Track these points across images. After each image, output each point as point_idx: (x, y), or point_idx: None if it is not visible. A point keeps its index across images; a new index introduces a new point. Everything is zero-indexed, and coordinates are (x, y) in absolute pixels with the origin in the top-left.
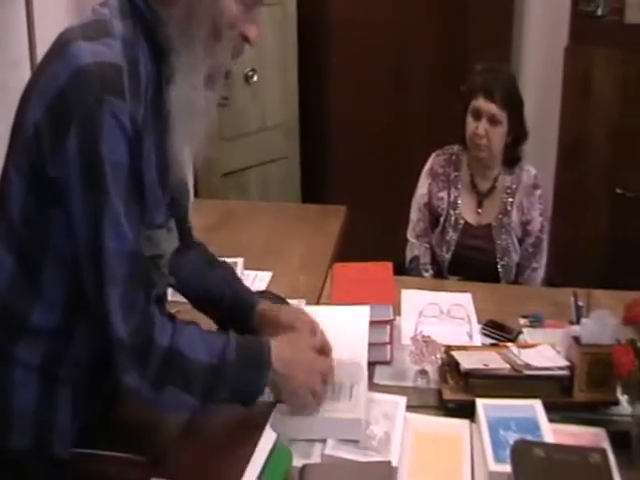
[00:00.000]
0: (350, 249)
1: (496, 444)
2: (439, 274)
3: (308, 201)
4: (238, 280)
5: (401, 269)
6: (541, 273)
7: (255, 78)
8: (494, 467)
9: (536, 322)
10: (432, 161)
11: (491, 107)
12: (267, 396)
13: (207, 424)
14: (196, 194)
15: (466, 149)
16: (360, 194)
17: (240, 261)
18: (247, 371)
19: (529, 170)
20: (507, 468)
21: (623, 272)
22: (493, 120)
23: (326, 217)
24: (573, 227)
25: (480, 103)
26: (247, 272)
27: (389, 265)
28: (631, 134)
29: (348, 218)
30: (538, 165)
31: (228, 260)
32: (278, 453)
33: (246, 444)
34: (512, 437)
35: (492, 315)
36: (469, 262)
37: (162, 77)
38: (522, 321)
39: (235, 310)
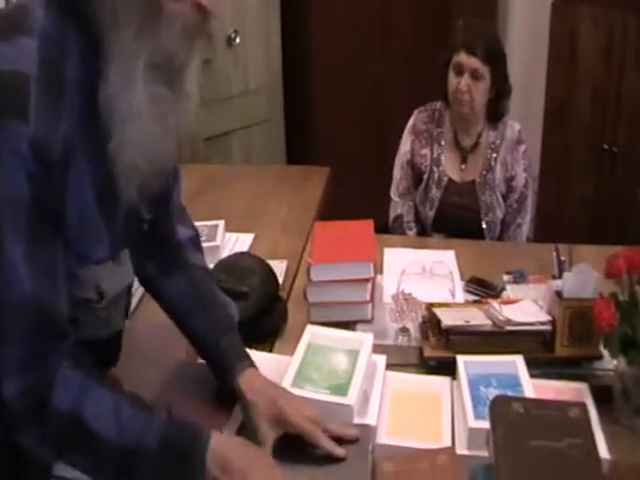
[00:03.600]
0: (334, 211)
1: (476, 400)
2: (423, 232)
3: (293, 164)
4: (229, 331)
5: (386, 229)
6: (525, 229)
7: (237, 40)
8: (474, 424)
9: (519, 278)
10: (414, 118)
11: (473, 62)
12: None
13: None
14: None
15: (449, 105)
16: (345, 155)
17: (221, 223)
18: (171, 466)
19: (513, 125)
20: (487, 424)
21: (609, 229)
22: (475, 75)
23: (309, 178)
24: (560, 186)
25: (462, 58)
26: (228, 234)
27: (370, 223)
28: (616, 92)
29: (332, 179)
30: (524, 124)
31: (209, 223)
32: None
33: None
34: (492, 393)
35: (475, 272)
36: (453, 219)
37: (94, 74)
38: (506, 277)
39: (216, 368)
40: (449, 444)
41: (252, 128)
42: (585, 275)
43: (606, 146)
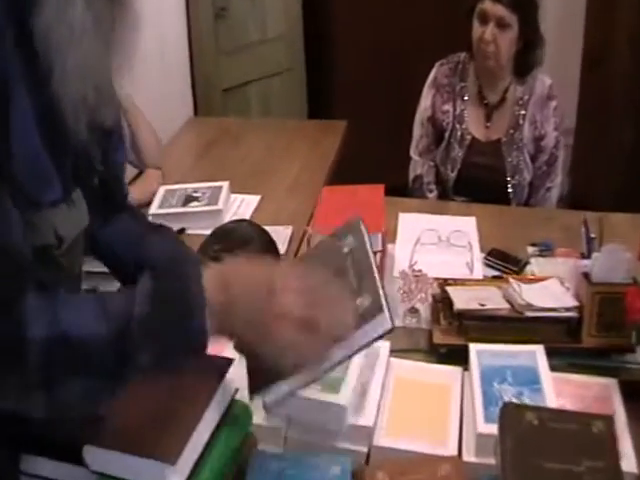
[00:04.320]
0: (350, 168)
1: (488, 400)
2: (444, 194)
3: (314, 116)
4: (180, 243)
5: (405, 189)
6: (556, 193)
7: None
8: (483, 428)
9: (546, 251)
10: (436, 71)
11: (499, 9)
12: None
13: (147, 387)
14: (195, 111)
15: (473, 57)
16: (368, 107)
17: (225, 185)
18: (172, 322)
19: (543, 80)
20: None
21: None
22: (501, 24)
23: (326, 133)
24: (597, 139)
25: (486, 5)
26: (233, 196)
27: (380, 188)
28: None
29: (351, 133)
30: (561, 74)
31: (212, 185)
32: (237, 410)
33: (198, 399)
34: (507, 391)
35: (498, 242)
36: (476, 181)
37: (24, 3)
38: (530, 249)
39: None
40: (455, 448)
41: (271, 78)
42: (617, 256)
43: None
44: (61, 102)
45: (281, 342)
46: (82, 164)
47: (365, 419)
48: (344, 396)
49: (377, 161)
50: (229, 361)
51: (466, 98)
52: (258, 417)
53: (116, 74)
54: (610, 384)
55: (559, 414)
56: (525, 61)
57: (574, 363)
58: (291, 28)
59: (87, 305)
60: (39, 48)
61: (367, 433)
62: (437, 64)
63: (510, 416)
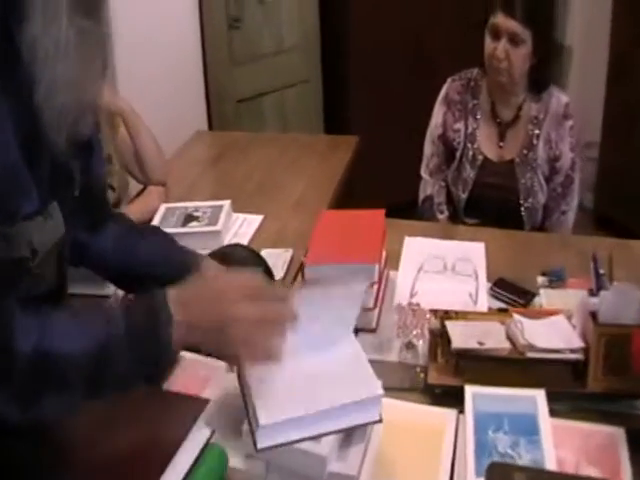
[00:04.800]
0: (360, 183)
1: (481, 450)
2: (455, 216)
3: (330, 128)
4: (174, 243)
5: (416, 207)
6: (572, 217)
7: None
8: None
9: (556, 281)
10: (447, 87)
11: (511, 24)
12: None
13: (121, 419)
14: (209, 123)
15: (485, 73)
16: (383, 120)
17: (226, 204)
18: (144, 337)
19: (559, 97)
20: None
21: None
22: (514, 39)
23: (335, 149)
24: (623, 149)
25: (499, 20)
26: (235, 215)
27: (381, 214)
28: None
29: (362, 148)
30: (586, 81)
31: (213, 204)
32: (211, 454)
33: (168, 443)
34: (502, 441)
35: (507, 269)
36: (488, 203)
37: (11, 19)
38: (540, 279)
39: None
40: None
41: (287, 90)
42: (626, 296)
43: None
44: (43, 115)
45: (239, 341)
46: (61, 176)
47: (348, 467)
48: (326, 445)
49: (388, 177)
50: (204, 402)
51: (478, 116)
52: (235, 461)
53: (95, 86)
54: (616, 433)
55: (550, 477)
56: (540, 77)
57: (579, 407)
58: (307, 39)
59: (70, 320)
60: (24, 61)
61: None
62: (449, 80)
63: (497, 478)
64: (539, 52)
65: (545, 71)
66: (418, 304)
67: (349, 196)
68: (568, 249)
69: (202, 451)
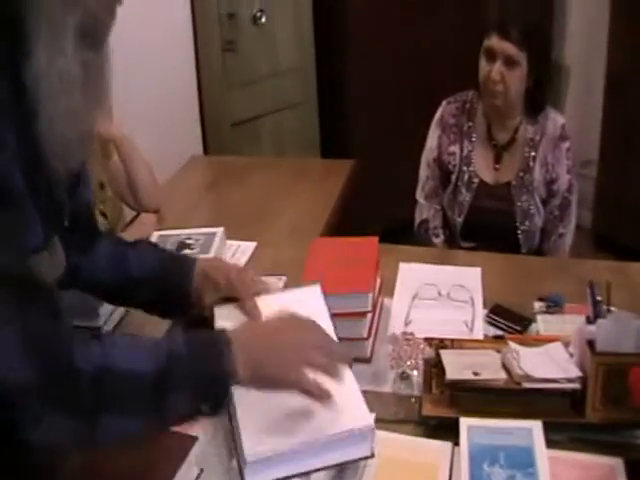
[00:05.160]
0: (355, 206)
1: None
2: (451, 239)
3: (327, 150)
4: (164, 251)
5: (412, 229)
6: (569, 240)
7: (264, 19)
8: None
9: (554, 307)
10: (442, 110)
11: (507, 46)
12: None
13: (109, 463)
14: (204, 148)
15: (481, 95)
16: (380, 142)
17: (220, 232)
18: (206, 359)
19: (555, 119)
20: None
21: None
22: (509, 62)
23: (331, 173)
24: (622, 174)
25: (493, 42)
26: (229, 242)
27: (374, 241)
28: None
29: (359, 171)
30: (583, 108)
31: (206, 231)
32: None
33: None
34: (498, 476)
35: (503, 295)
36: (485, 227)
37: (16, 54)
38: (537, 305)
39: (170, 286)
40: None
41: (283, 112)
42: (624, 324)
43: None
44: (46, 145)
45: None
46: (56, 207)
47: None
48: None
49: (385, 200)
50: (193, 439)
51: (474, 139)
52: None
53: (95, 115)
54: (615, 464)
55: None
56: (536, 99)
57: (576, 438)
58: (303, 61)
59: (131, 342)
60: (29, 94)
61: None
62: (444, 102)
63: None
64: (535, 74)
65: (541, 93)
66: (412, 334)
67: (345, 221)
68: (566, 273)
69: None
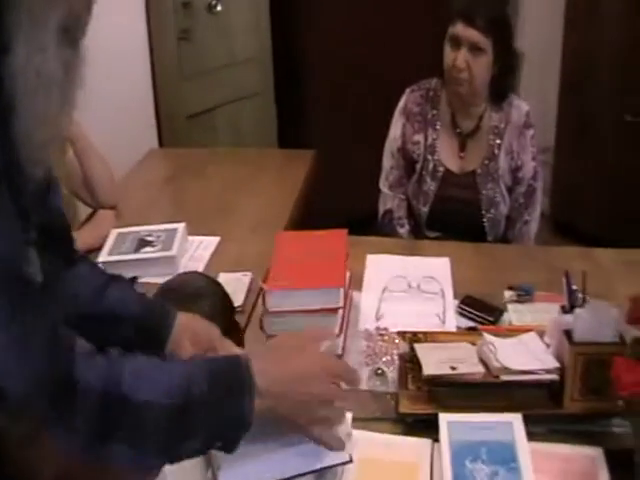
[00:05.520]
0: (318, 198)
1: None
2: (416, 229)
3: (285, 140)
4: (143, 294)
5: (375, 220)
6: (534, 227)
7: (219, 7)
8: None
9: (524, 296)
10: (406, 98)
11: (472, 33)
12: None
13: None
14: (160, 140)
15: (445, 83)
16: (342, 132)
17: (181, 227)
18: (226, 400)
19: (520, 106)
20: None
21: (633, 205)
22: (475, 49)
23: (292, 164)
24: (579, 161)
25: (458, 29)
26: (191, 238)
27: (343, 234)
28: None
29: (319, 161)
30: (539, 95)
31: (167, 227)
32: None
33: None
34: (480, 472)
35: (473, 285)
36: (450, 216)
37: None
38: (508, 294)
39: (149, 327)
40: None
41: (240, 103)
42: (602, 314)
43: (629, 117)
44: (22, 149)
45: (316, 416)
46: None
47: None
48: None
49: (347, 191)
50: None
51: (438, 127)
52: None
53: (69, 120)
54: (595, 455)
55: None
56: (501, 87)
57: (556, 429)
58: (260, 50)
59: (146, 365)
60: (6, 93)
61: None
62: (407, 90)
63: None
64: (500, 61)
65: (506, 80)
66: (386, 329)
67: (308, 213)
68: (534, 261)
69: None
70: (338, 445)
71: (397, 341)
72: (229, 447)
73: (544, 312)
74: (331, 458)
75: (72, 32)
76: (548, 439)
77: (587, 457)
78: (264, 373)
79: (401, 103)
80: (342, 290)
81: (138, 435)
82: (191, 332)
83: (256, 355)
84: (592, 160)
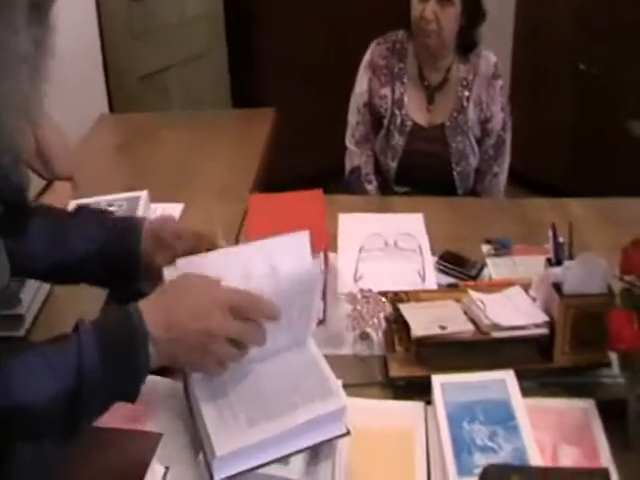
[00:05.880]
0: (282, 160)
1: (459, 447)
2: (385, 186)
3: (239, 101)
4: (107, 216)
5: (342, 179)
6: (503, 179)
7: None
8: None
9: (502, 249)
10: (372, 51)
11: None
12: None
13: (74, 462)
14: (110, 104)
15: (411, 35)
16: (298, 90)
17: (143, 195)
18: (121, 361)
19: (487, 57)
20: None
21: (589, 156)
22: (443, 0)
23: (252, 124)
24: (534, 113)
25: None
26: (154, 206)
27: (319, 194)
28: (594, 5)
29: (281, 122)
30: (492, 47)
31: (128, 196)
32: None
33: None
34: (479, 432)
35: (449, 240)
36: (419, 170)
37: None
38: (485, 248)
39: (116, 251)
40: None
41: (192, 63)
42: (592, 265)
43: (583, 66)
44: None
45: (216, 356)
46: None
47: None
48: (295, 467)
49: (307, 150)
50: (158, 436)
51: (405, 80)
52: None
53: (40, 103)
54: (587, 407)
55: (548, 475)
56: (469, 38)
57: (546, 384)
58: (211, 7)
59: (32, 362)
60: None
61: None
62: (373, 44)
63: None
64: (468, 12)
65: (474, 32)
66: (370, 290)
67: (272, 174)
68: (507, 214)
69: None
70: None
71: (384, 301)
72: (130, 399)
73: (523, 266)
74: (327, 432)
75: (40, 8)
76: (539, 394)
77: (580, 409)
78: (156, 319)
79: (367, 57)
80: (323, 254)
81: (38, 434)
82: (155, 241)
83: (149, 300)
84: (547, 110)
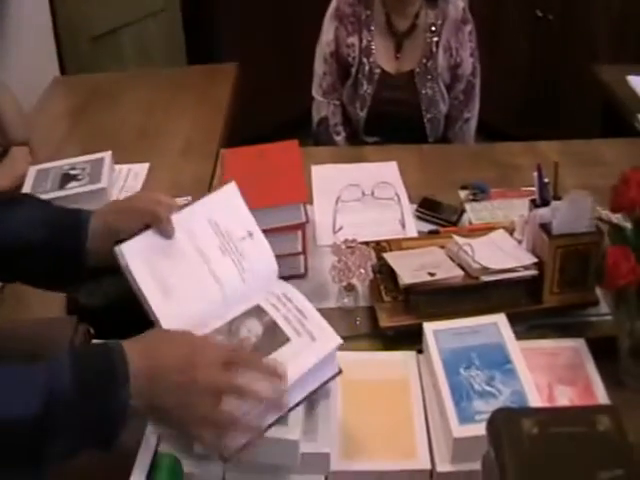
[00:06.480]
0: (247, 117)
1: (458, 393)
2: (354, 136)
3: (195, 60)
4: (49, 205)
5: (309, 132)
6: (474, 124)
7: None
8: (459, 432)
9: (480, 194)
10: (337, 0)
11: None
12: None
13: None
14: (61, 66)
15: None
16: (256, 45)
17: (107, 155)
18: (98, 396)
19: (456, 2)
20: (476, 430)
21: (543, 103)
22: None
23: (213, 80)
24: (492, 59)
25: None
26: (118, 167)
27: (294, 145)
28: None
29: (241, 77)
30: None
31: (91, 158)
32: (162, 465)
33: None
34: (477, 378)
35: (425, 187)
36: (389, 119)
37: None
38: (462, 194)
39: (59, 245)
40: (427, 459)
41: (145, 21)
42: (580, 204)
43: (540, 13)
44: None
45: (202, 413)
46: None
47: (320, 445)
48: (295, 427)
49: (275, 103)
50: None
51: (372, 28)
52: (188, 465)
53: None
54: (578, 346)
55: (557, 415)
56: None
57: (535, 325)
58: None
59: (3, 383)
60: None
61: (324, 459)
62: None
63: (505, 428)
64: None
65: None
66: (355, 240)
67: (237, 131)
68: (480, 158)
69: (152, 461)
70: (227, 453)
71: (368, 252)
72: (104, 446)
73: (503, 209)
74: (322, 375)
75: None
76: (529, 336)
77: (571, 349)
78: (138, 360)
79: (333, 4)
80: (303, 205)
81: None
82: (107, 232)
83: (133, 341)
84: (506, 57)
